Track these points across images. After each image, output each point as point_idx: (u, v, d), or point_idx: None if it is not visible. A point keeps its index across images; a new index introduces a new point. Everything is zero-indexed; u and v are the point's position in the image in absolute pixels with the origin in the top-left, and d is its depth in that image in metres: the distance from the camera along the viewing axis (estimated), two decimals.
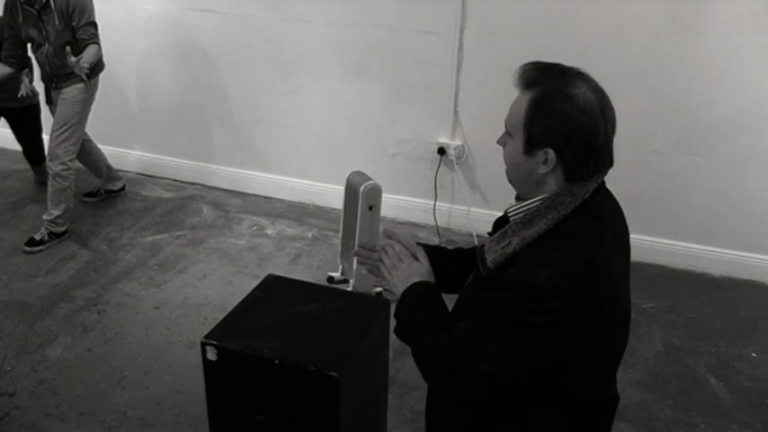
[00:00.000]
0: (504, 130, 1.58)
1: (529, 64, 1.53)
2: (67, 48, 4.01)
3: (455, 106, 4.47)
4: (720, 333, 3.72)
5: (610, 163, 1.54)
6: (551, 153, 1.48)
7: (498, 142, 1.60)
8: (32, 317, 3.72)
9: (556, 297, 1.43)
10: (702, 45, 3.94)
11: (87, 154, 4.80)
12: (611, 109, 1.50)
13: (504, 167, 1.61)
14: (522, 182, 1.59)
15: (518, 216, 1.58)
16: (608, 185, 1.61)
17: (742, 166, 4.09)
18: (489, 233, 1.70)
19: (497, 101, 4.39)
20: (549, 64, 1.53)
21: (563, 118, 1.46)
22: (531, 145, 1.51)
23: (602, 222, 1.54)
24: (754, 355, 3.60)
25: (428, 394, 1.85)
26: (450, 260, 1.91)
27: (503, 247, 1.55)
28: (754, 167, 4.07)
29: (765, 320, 3.89)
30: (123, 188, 5.10)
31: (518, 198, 1.63)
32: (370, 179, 3.71)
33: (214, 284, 4.04)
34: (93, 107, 4.50)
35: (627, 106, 4.23)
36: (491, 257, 1.57)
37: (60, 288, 3.97)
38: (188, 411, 3.07)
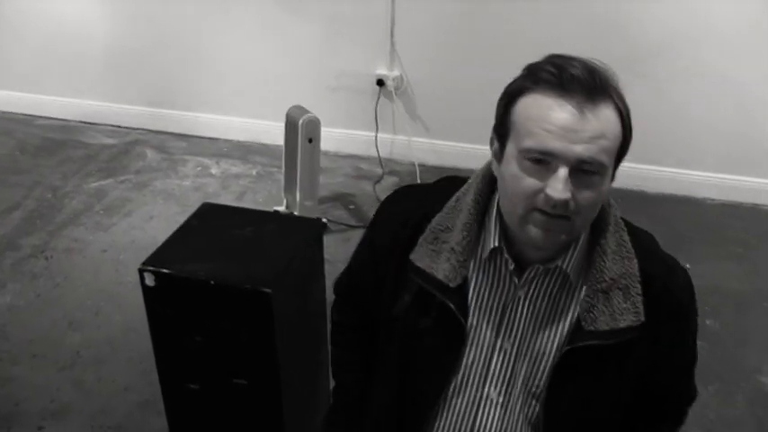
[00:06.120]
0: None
1: (578, 68, 1.19)
2: None
3: (392, 37, 4.48)
4: None
5: None
6: None
7: (563, 201, 1.16)
8: None
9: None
10: None
11: None
12: None
13: None
14: (591, 218, 1.28)
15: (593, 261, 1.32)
16: None
17: (673, 85, 4.20)
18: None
19: (434, 30, 4.47)
20: (585, 61, 1.23)
21: None
22: (617, 167, 1.25)
23: None
24: (687, 266, 3.72)
25: None
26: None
27: (627, 299, 1.29)
28: (684, 86, 4.19)
29: (698, 234, 4.05)
30: None
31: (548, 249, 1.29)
32: (309, 112, 3.74)
33: (161, 225, 4.06)
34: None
35: (558, 29, 4.25)
36: (628, 320, 1.28)
37: (6, 238, 3.96)
38: (140, 348, 3.11)
